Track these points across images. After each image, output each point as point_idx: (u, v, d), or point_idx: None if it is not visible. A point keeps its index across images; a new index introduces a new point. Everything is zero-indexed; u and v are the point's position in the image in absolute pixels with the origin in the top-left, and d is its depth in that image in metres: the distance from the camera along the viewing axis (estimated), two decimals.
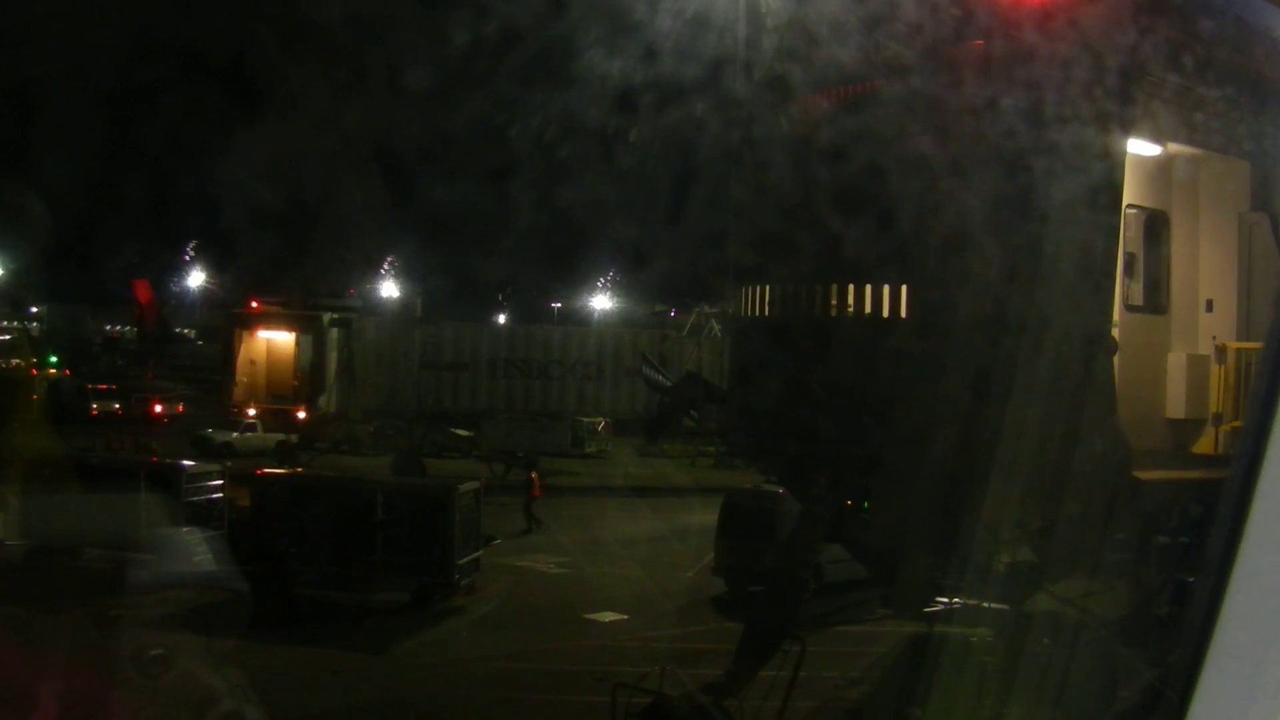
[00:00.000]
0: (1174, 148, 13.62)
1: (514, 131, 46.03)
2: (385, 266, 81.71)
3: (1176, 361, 14.02)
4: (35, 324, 79.98)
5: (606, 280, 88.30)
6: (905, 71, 12.93)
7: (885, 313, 13.41)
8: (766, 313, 15.06)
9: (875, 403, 13.11)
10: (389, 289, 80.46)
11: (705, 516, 30.62)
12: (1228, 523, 2.70)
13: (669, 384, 30.09)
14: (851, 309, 13.83)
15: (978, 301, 11.88)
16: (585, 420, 51.15)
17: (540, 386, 47.48)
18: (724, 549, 28.57)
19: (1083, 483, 10.97)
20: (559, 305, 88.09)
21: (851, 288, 13.78)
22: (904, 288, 13.33)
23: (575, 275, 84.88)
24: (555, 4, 27.64)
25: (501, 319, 78.33)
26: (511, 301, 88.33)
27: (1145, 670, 8.24)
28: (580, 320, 78.90)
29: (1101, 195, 12.02)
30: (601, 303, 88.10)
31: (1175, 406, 13.90)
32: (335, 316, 47.77)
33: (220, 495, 28.64)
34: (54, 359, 65.81)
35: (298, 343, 47.71)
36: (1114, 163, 12.23)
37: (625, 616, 25.75)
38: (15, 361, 64.28)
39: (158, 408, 58.52)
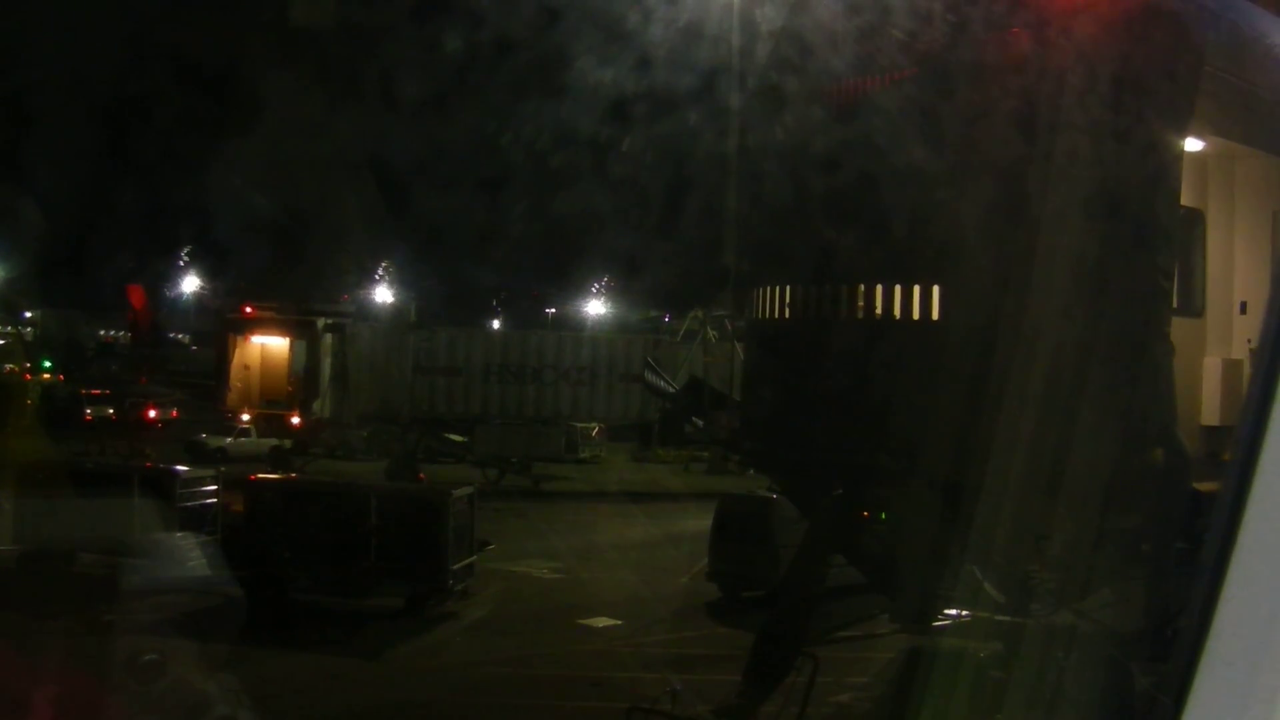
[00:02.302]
0: (1213, 142, 12.96)
1: (507, 139, 46.08)
2: (379, 272, 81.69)
3: (1211, 366, 13.41)
4: (29, 329, 79.83)
5: (600, 286, 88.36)
6: (983, 67, 12.55)
7: (915, 315, 13.08)
8: (786, 315, 14.72)
9: (903, 410, 12.79)
10: (383, 294, 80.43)
11: (699, 522, 30.65)
12: (1222, 529, 2.72)
13: (673, 390, 29.91)
14: (880, 311, 13.48)
15: (1028, 304, 11.25)
16: (579, 425, 51.18)
17: (534, 392, 47.50)
18: (718, 554, 28.59)
19: (1138, 495, 10.66)
20: (552, 311, 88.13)
21: (880, 289, 13.43)
22: (935, 289, 13.01)
23: (569, 281, 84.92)
24: (549, 14, 27.68)
25: (495, 324, 78.36)
26: (505, 307, 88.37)
27: (1141, 677, 8.16)
28: (574, 326, 78.92)
29: (1162, 192, 11.67)
30: (595, 308, 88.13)
31: (1210, 413, 13.21)
32: (329, 322, 47.80)
33: (214, 500, 28.58)
34: (48, 364, 65.72)
35: (292, 348, 47.75)
36: (1173, 158, 11.79)
37: (619, 622, 25.73)
38: (9, 366, 64.19)
39: (152, 413, 58.40)
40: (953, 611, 12.74)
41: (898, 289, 13.33)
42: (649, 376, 37.52)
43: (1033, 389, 10.41)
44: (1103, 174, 11.26)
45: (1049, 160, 11.25)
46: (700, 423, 21.81)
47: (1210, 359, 13.52)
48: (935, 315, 13.03)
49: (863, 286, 13.74)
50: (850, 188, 12.99)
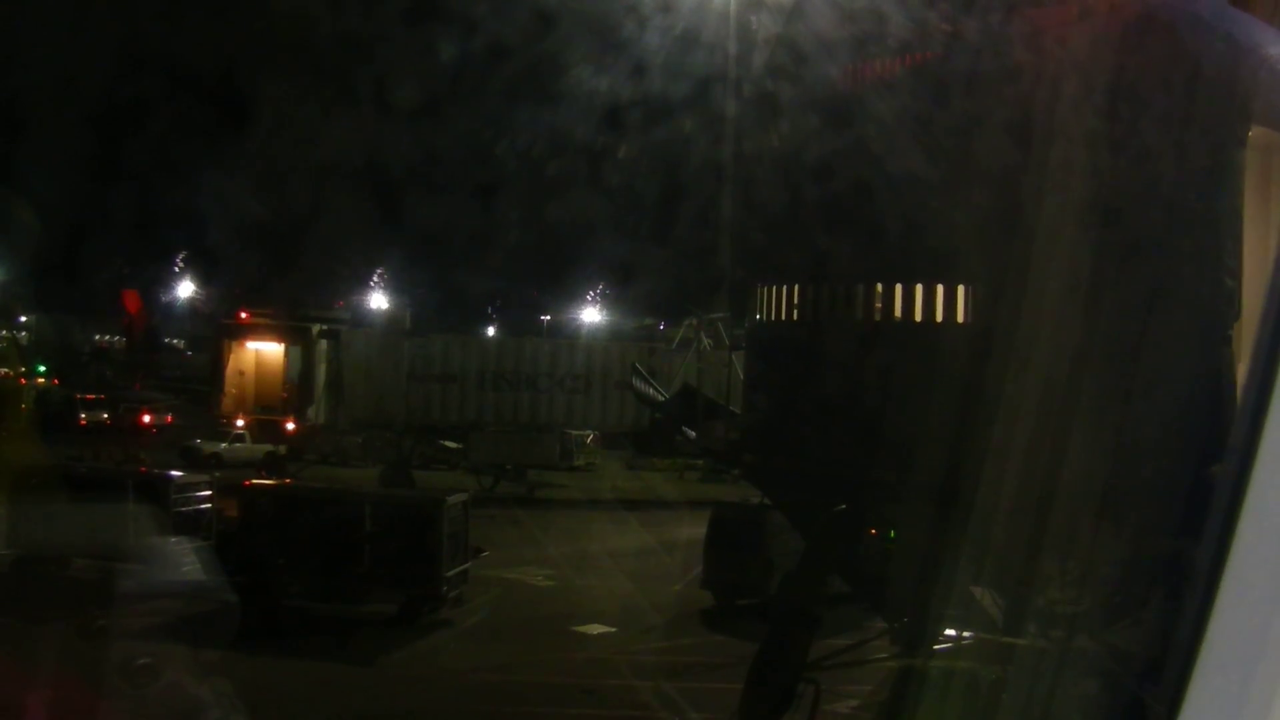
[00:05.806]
0: (1254, 130, 12.05)
1: (503, 146, 46.25)
2: (374, 278, 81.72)
3: (1245, 374, 12.63)
4: (24, 333, 79.67)
5: (595, 294, 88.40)
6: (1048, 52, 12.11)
7: (938, 316, 12.65)
8: (795, 316, 14.33)
9: (924, 423, 12.35)
10: (378, 301, 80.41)
11: (693, 530, 30.60)
12: (1216, 536, 2.72)
13: (662, 398, 29.43)
14: (899, 312, 13.05)
15: (1066, 305, 10.62)
16: (573, 433, 51.15)
17: (528, 399, 47.46)
18: (712, 562, 28.54)
19: (1193, 515, 10.08)
20: (547, 318, 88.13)
21: (899, 288, 12.98)
22: (959, 288, 12.61)
23: (564, 288, 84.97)
24: (544, 21, 27.72)
25: (490, 331, 78.33)
26: (500, 314, 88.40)
27: (1135, 686, 8.06)
28: (569, 333, 78.88)
29: (1227, 184, 11.26)
30: (590, 316, 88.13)
31: None
32: (324, 328, 47.90)
33: (208, 506, 28.55)
34: (42, 368, 65.56)
35: (286, 354, 47.86)
36: (1236, 147, 11.17)
37: (613, 629, 25.70)
38: (4, 371, 64.08)
39: (146, 418, 58.34)
40: (952, 633, 12.48)
41: (917, 290, 12.94)
42: (637, 384, 37.23)
43: (1083, 397, 10.05)
44: (1101, 183, 11.01)
45: (1046, 168, 11.05)
46: (691, 433, 21.37)
47: (1244, 367, 12.85)
48: (958, 320, 12.63)
49: (880, 287, 13.33)
50: (846, 194, 12.82)
